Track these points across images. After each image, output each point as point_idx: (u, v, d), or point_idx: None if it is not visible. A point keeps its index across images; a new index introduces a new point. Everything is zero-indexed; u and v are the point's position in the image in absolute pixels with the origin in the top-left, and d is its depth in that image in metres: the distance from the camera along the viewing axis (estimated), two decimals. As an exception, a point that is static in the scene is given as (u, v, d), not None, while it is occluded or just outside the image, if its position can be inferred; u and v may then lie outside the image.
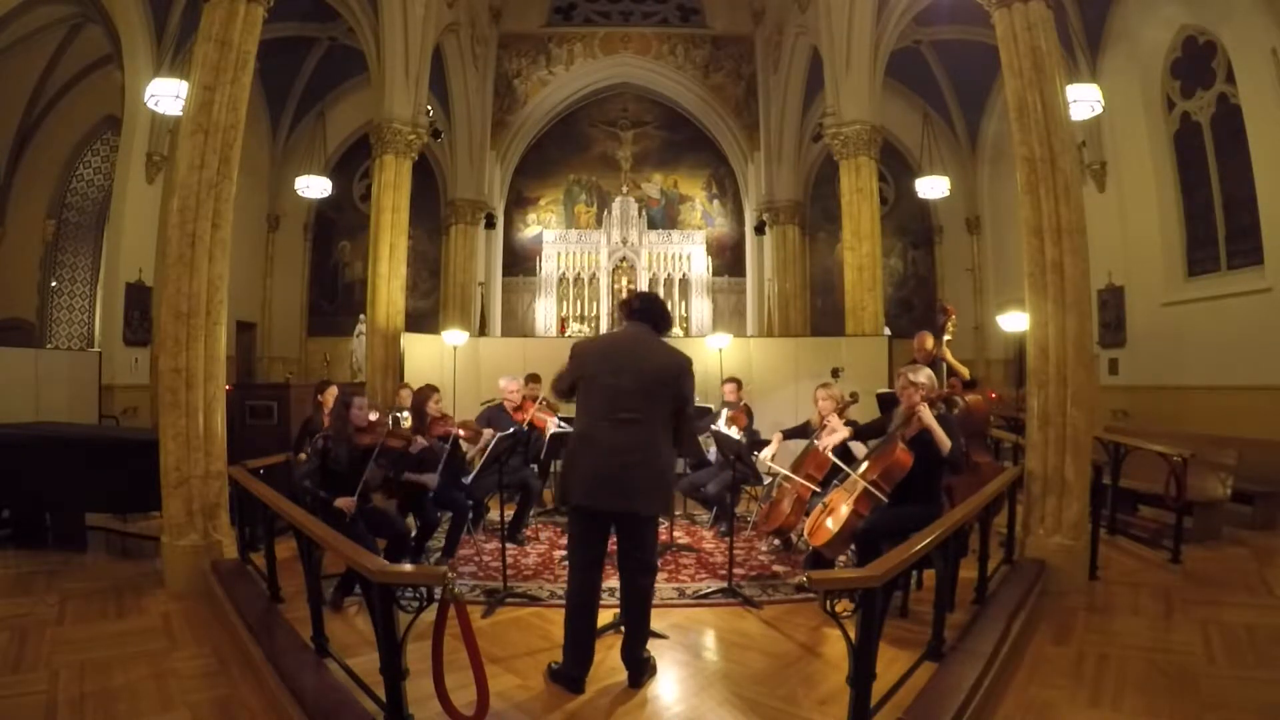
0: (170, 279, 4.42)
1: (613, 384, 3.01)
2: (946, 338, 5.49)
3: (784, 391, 7.75)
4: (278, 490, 3.92)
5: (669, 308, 3.34)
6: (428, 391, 5.03)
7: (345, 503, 3.95)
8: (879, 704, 2.47)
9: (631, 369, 3.03)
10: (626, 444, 2.97)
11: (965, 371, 5.67)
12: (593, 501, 3.01)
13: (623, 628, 3.16)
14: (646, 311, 3.20)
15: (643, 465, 2.98)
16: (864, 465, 4.05)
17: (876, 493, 3.84)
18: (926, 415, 3.82)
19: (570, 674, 2.99)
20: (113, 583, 4.36)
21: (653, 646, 3.27)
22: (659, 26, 13.81)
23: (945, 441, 3.76)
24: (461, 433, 4.95)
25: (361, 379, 9.01)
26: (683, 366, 3.10)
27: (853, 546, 3.97)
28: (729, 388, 6.12)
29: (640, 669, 3.06)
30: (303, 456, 5.46)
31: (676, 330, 13.24)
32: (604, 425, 2.99)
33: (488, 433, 5.21)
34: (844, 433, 4.58)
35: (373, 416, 4.49)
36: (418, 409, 5.02)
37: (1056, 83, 4.58)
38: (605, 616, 3.56)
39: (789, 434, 5.29)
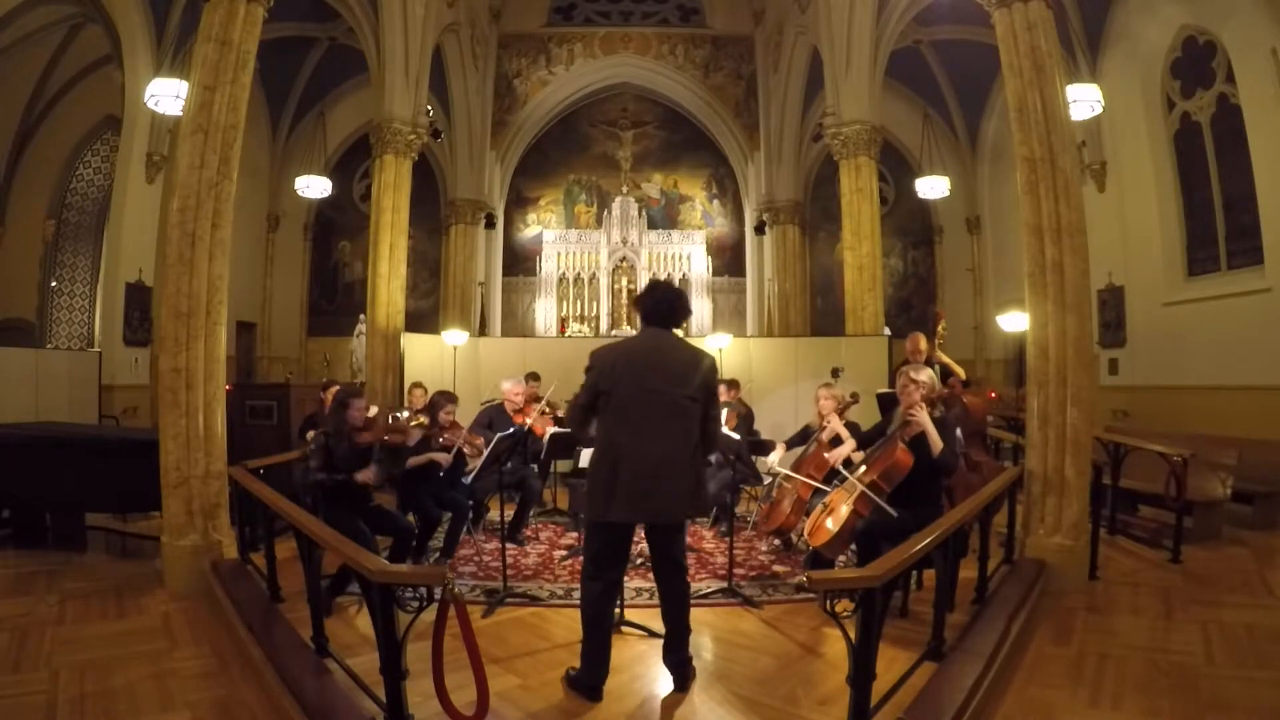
0: (170, 279, 4.42)
1: (647, 392, 2.92)
2: (938, 341, 5.54)
3: (784, 391, 7.75)
4: (278, 490, 3.92)
5: (682, 296, 3.23)
6: (442, 400, 5.05)
7: (366, 475, 4.04)
8: (879, 704, 2.47)
9: (663, 374, 2.95)
10: (667, 453, 2.90)
11: (961, 372, 5.69)
12: (636, 516, 2.94)
13: (666, 636, 3.10)
14: (659, 314, 3.10)
15: (684, 472, 2.94)
16: (863, 466, 4.05)
17: (876, 493, 3.84)
18: (923, 418, 3.81)
19: (591, 683, 2.94)
20: (113, 583, 4.36)
21: (653, 646, 3.28)
22: (659, 26, 13.81)
23: (938, 443, 3.76)
24: (466, 449, 4.98)
25: (362, 379, 9.01)
26: (710, 364, 3.09)
27: (853, 547, 3.97)
28: (721, 388, 6.13)
29: (685, 670, 3.03)
30: (310, 434, 5.51)
31: (677, 330, 13.23)
32: (641, 436, 2.90)
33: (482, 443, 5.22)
34: (850, 445, 4.58)
35: (371, 412, 4.51)
36: (432, 414, 5.00)
37: (1056, 83, 4.57)
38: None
39: (792, 443, 5.29)
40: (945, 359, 5.54)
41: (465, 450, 4.97)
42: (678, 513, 3.02)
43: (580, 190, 14.72)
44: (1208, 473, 5.51)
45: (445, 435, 4.90)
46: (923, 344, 5.60)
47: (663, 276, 13.79)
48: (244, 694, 2.95)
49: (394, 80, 9.06)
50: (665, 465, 2.89)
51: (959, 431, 4.37)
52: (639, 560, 4.83)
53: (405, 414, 5.35)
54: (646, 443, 2.89)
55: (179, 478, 4.32)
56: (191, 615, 3.86)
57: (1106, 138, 9.42)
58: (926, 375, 4.00)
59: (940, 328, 5.65)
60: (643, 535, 3.35)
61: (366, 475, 4.07)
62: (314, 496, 4.00)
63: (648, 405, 2.92)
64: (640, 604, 3.91)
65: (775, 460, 5.07)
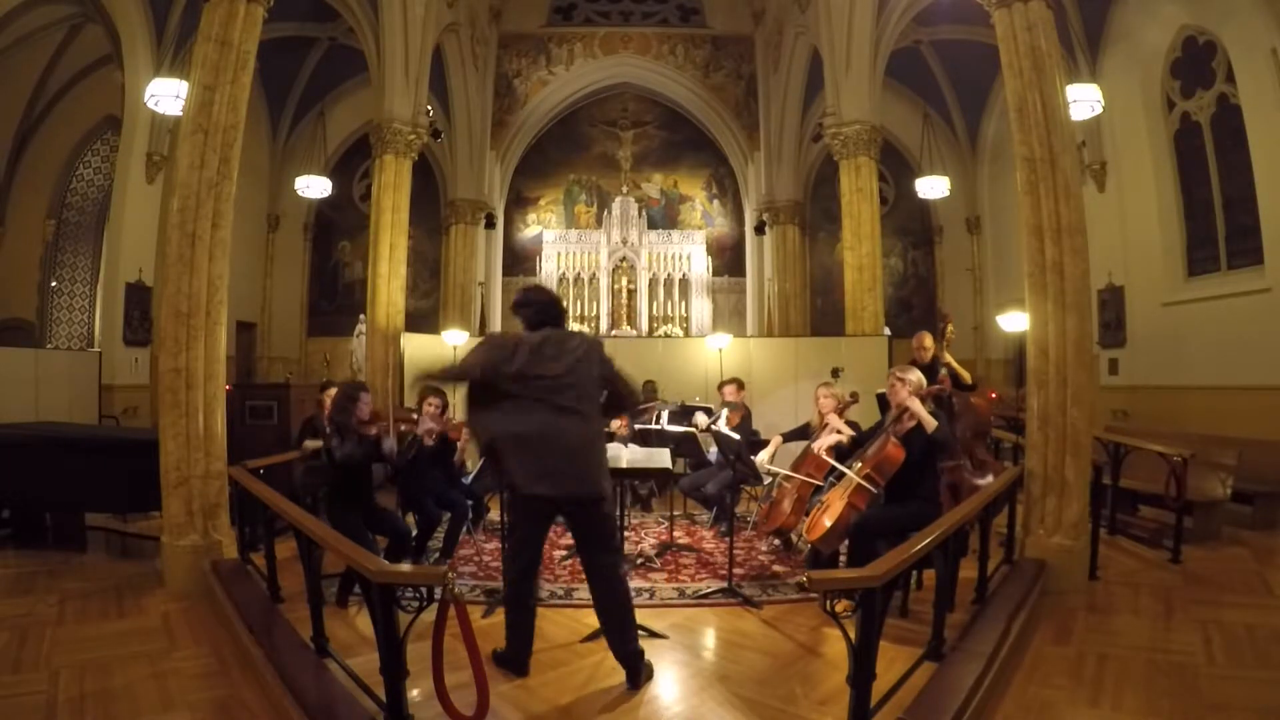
0: (170, 279, 4.42)
1: (550, 375, 3.07)
2: (945, 343, 5.50)
3: (784, 391, 7.75)
4: (278, 490, 3.92)
5: (557, 298, 3.45)
6: (423, 393, 5.09)
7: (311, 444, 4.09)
8: (879, 704, 2.47)
9: (563, 358, 3.11)
10: (575, 431, 3.06)
11: (967, 375, 5.66)
12: (556, 490, 3.04)
13: (605, 629, 3.15)
14: (546, 318, 3.25)
15: (592, 449, 3.15)
16: (858, 462, 4.07)
17: (870, 486, 3.86)
18: (914, 403, 3.84)
19: (517, 659, 3.14)
20: (113, 583, 4.36)
21: (652, 647, 3.28)
22: (659, 26, 13.81)
23: (930, 421, 3.78)
24: (453, 435, 5.04)
25: (361, 379, 9.01)
26: (597, 342, 3.31)
27: (846, 542, 3.98)
28: (730, 388, 6.12)
29: (638, 665, 3.03)
30: (307, 444, 5.53)
31: (676, 330, 13.24)
32: (549, 416, 3.04)
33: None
34: (845, 433, 4.58)
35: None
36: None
37: (1056, 83, 4.57)
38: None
39: (789, 437, 5.29)
40: (951, 361, 5.50)
41: (447, 433, 4.99)
42: (595, 487, 3.13)
43: (580, 190, 14.71)
44: (1208, 473, 5.51)
45: (406, 426, 4.90)
46: (928, 342, 5.58)
47: (663, 276, 13.79)
48: (244, 694, 2.95)
49: (394, 80, 9.06)
50: (579, 446, 3.08)
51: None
52: (639, 561, 4.84)
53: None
54: (561, 421, 3.04)
55: (179, 478, 4.33)
56: (191, 615, 3.86)
57: (1106, 138, 9.41)
58: (915, 375, 4.02)
59: (948, 330, 5.58)
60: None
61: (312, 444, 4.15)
62: (314, 494, 4.02)
63: (559, 386, 3.07)
64: (640, 604, 3.90)
65: (765, 457, 5.06)
